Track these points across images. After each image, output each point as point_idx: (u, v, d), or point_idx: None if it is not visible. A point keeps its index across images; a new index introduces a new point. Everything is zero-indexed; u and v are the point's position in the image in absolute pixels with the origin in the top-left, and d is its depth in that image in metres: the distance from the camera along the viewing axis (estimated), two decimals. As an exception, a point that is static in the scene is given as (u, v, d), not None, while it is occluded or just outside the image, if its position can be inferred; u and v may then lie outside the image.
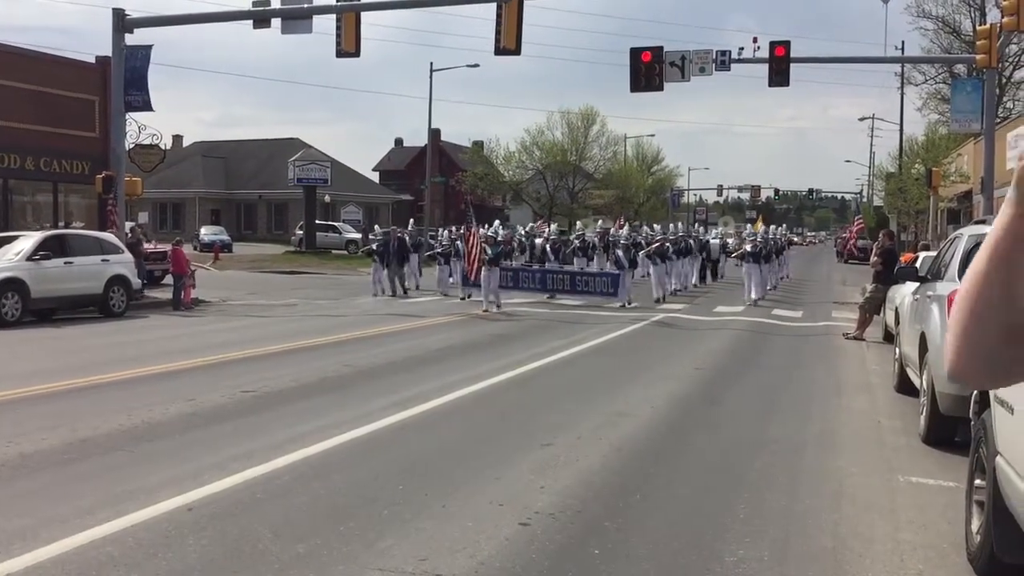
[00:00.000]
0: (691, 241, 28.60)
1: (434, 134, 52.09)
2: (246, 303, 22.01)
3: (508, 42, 19.65)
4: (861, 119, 76.03)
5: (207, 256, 39.65)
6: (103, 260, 18.49)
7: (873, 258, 17.02)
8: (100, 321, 17.64)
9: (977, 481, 4.86)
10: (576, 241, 31.67)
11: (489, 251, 20.66)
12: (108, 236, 20.04)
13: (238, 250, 46.73)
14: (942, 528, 5.48)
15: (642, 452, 7.34)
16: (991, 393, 4.54)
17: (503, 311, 19.71)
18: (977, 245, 8.57)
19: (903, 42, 63.18)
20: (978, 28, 27.34)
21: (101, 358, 12.42)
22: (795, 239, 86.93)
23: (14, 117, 23.91)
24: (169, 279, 22.37)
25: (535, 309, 20.66)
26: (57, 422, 7.91)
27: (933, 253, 13.71)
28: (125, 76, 22.01)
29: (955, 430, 7.39)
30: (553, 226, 34.40)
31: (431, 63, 46.19)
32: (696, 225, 53.03)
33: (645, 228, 31.98)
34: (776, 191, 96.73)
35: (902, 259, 15.95)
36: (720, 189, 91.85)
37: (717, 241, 36.09)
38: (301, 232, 48.12)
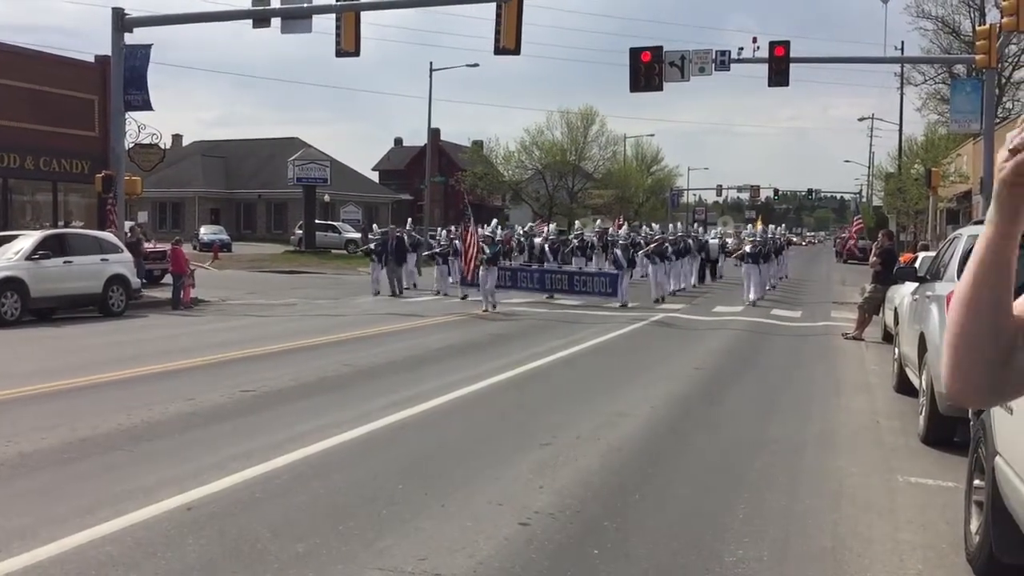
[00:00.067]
0: (690, 241, 28.60)
1: (434, 134, 52.09)
2: (245, 303, 22.01)
3: (508, 42, 19.65)
4: (861, 119, 76.10)
5: (206, 255, 39.64)
6: (102, 259, 18.49)
7: (872, 258, 17.02)
8: (99, 320, 17.64)
9: (976, 481, 4.86)
10: (575, 241, 31.70)
11: (487, 250, 20.66)
12: (107, 235, 20.03)
13: (237, 249, 46.73)
14: (941, 528, 5.48)
15: (641, 452, 7.34)
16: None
17: (500, 311, 19.70)
18: (976, 245, 8.56)
19: (903, 42, 63.26)
20: (978, 28, 27.35)
21: (100, 357, 12.42)
22: (794, 239, 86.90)
23: (13, 116, 23.90)
24: (168, 278, 22.36)
25: (534, 309, 20.66)
26: (56, 421, 7.91)
27: (932, 253, 13.72)
28: (125, 75, 22.00)
29: (954, 430, 7.40)
30: (552, 226, 34.43)
31: (431, 63, 46.28)
32: (695, 225, 53.08)
33: (644, 228, 31.97)
34: (775, 191, 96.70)
35: (901, 259, 15.96)
36: (719, 189, 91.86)
37: (716, 241, 36.09)
38: (300, 232, 48.11)
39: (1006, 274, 1.38)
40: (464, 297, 22.35)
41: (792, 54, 22.91)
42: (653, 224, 34.41)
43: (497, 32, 19.69)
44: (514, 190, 63.53)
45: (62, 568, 4.55)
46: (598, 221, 36.60)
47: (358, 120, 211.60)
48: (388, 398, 9.26)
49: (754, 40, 23.34)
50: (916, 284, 9.99)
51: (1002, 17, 18.67)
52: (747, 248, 23.81)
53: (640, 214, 64.74)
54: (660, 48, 23.24)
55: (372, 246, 25.53)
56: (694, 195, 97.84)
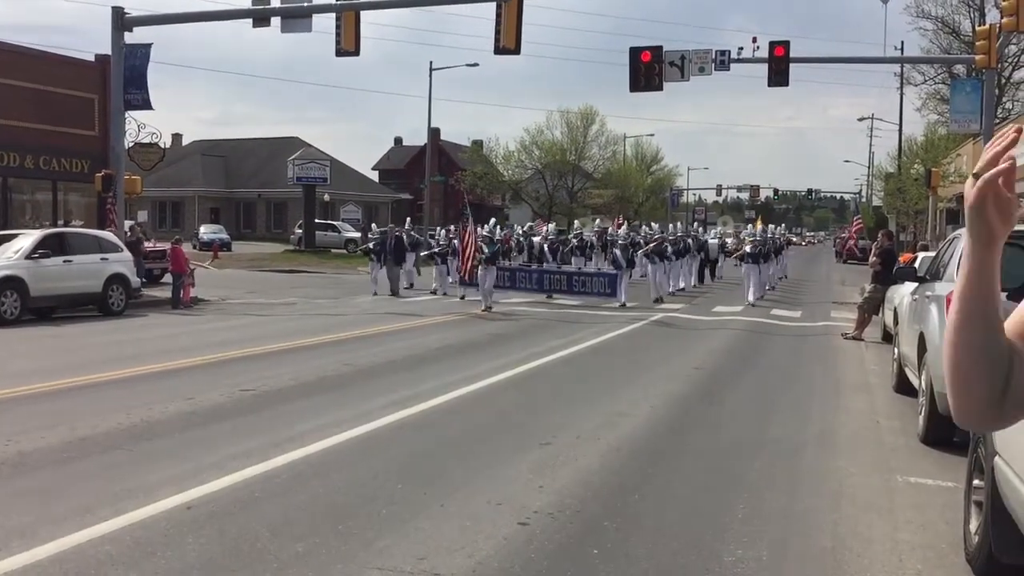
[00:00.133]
0: (689, 241, 28.59)
1: (433, 133, 52.08)
2: (245, 302, 22.01)
3: (508, 41, 19.65)
4: (860, 119, 76.11)
5: (206, 255, 39.63)
6: (102, 259, 18.49)
7: (872, 258, 17.03)
8: (99, 320, 17.63)
9: (975, 481, 4.86)
10: (574, 240, 31.67)
11: (486, 250, 20.67)
12: (107, 235, 20.03)
13: (237, 249, 46.73)
14: (940, 528, 5.49)
15: (641, 452, 7.34)
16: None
17: (499, 311, 19.70)
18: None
19: (902, 42, 63.28)
20: (977, 28, 27.35)
21: (100, 357, 12.42)
22: (794, 239, 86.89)
23: (14, 115, 23.89)
24: (168, 278, 22.36)
25: (534, 309, 20.66)
26: (56, 421, 7.91)
27: (932, 253, 13.71)
28: (124, 74, 22.00)
29: (954, 430, 7.40)
30: (551, 225, 34.41)
31: (431, 62, 46.30)
32: (695, 224, 53.08)
33: (644, 227, 31.96)
34: (775, 191, 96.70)
35: (901, 259, 15.96)
36: (719, 189, 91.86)
37: (716, 241, 36.09)
38: (300, 231, 48.10)
39: (992, 304, 1.39)
40: (462, 297, 22.34)
41: (792, 54, 22.91)
42: (652, 224, 34.38)
43: (497, 31, 19.68)
44: (514, 190, 63.52)
45: (61, 567, 4.55)
46: (597, 221, 36.59)
47: (358, 119, 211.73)
48: (387, 397, 9.26)
49: (754, 40, 23.37)
50: (916, 284, 9.98)
51: (1002, 17, 18.68)
52: (747, 248, 23.81)
53: (640, 214, 64.73)
54: (660, 48, 23.24)
55: (371, 245, 25.52)
56: (694, 195, 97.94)
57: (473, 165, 61.45)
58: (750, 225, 44.72)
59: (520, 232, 31.72)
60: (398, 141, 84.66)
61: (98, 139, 25.22)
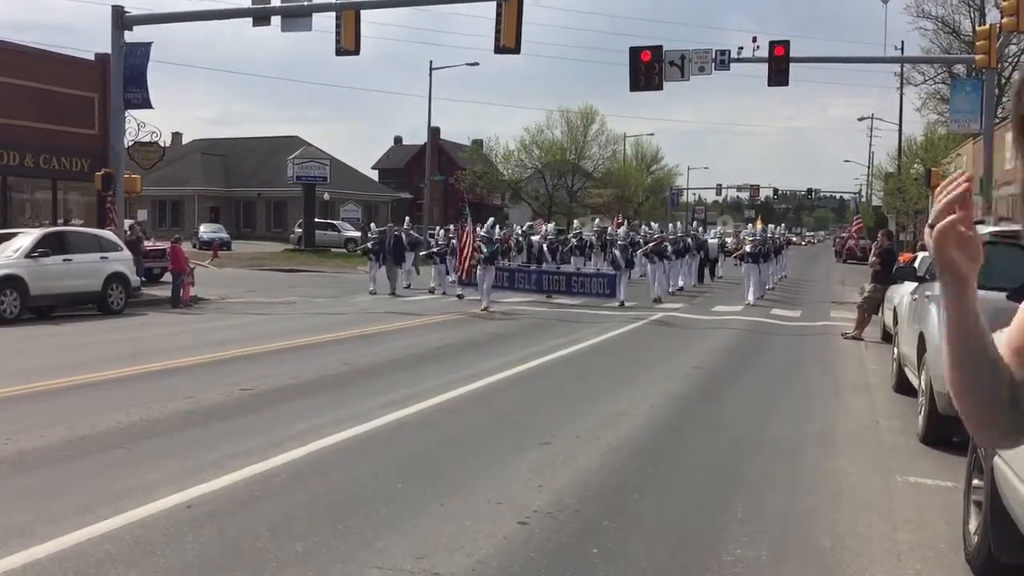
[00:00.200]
0: (689, 240, 28.59)
1: (433, 132, 52.05)
2: (245, 301, 22.00)
3: (508, 40, 19.65)
4: (860, 119, 76.07)
5: (206, 254, 39.62)
6: (102, 257, 18.49)
7: (872, 258, 17.03)
8: (99, 318, 17.63)
9: (975, 481, 4.86)
10: (573, 240, 31.68)
11: (485, 250, 20.67)
12: (107, 233, 20.03)
13: (237, 248, 46.73)
14: (940, 528, 5.49)
15: (641, 451, 7.34)
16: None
17: (497, 310, 19.71)
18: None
19: (902, 42, 63.16)
20: (978, 28, 27.36)
21: (99, 355, 12.42)
22: (794, 239, 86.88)
23: (13, 114, 23.88)
24: (168, 277, 22.36)
25: (533, 308, 20.67)
26: (55, 419, 7.91)
27: (932, 253, 13.70)
28: (124, 73, 21.99)
29: (953, 430, 7.40)
30: (550, 225, 34.40)
31: (431, 61, 46.26)
32: (694, 224, 53.08)
33: (644, 227, 31.97)
34: (775, 191, 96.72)
35: (901, 259, 15.96)
36: (719, 188, 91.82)
37: (715, 241, 36.09)
38: (300, 230, 48.10)
39: (983, 339, 1.40)
40: (459, 296, 22.32)
41: (792, 54, 22.91)
42: (652, 223, 34.38)
43: (497, 31, 19.68)
44: (514, 189, 63.54)
45: (61, 566, 4.55)
46: (596, 220, 36.61)
47: (358, 119, 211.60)
48: (387, 397, 9.26)
49: (754, 40, 23.37)
50: (915, 284, 9.99)
51: (1002, 17, 18.68)
52: (747, 248, 23.80)
53: (640, 213, 64.73)
54: (660, 47, 23.23)
55: (369, 245, 25.51)
56: (694, 194, 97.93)
57: (473, 164, 61.47)
58: (750, 224, 44.73)
59: (519, 231, 31.73)
60: (398, 140, 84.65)
61: (98, 138, 25.21)
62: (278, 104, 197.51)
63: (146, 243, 25.12)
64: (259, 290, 25.05)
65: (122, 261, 19.04)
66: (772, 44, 22.81)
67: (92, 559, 4.64)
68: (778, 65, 22.62)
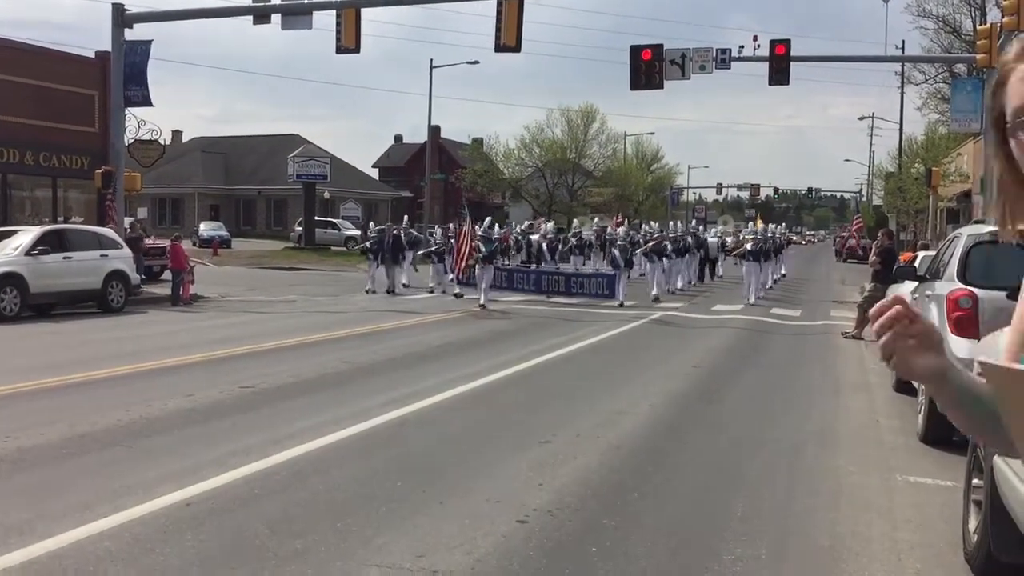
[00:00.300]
0: (689, 239, 28.58)
1: (434, 131, 52.05)
2: (245, 299, 22.00)
3: (508, 39, 19.64)
4: (861, 118, 75.87)
5: (206, 252, 39.61)
6: (102, 255, 18.48)
7: (872, 257, 17.03)
8: (98, 316, 17.63)
9: (975, 480, 4.86)
10: (573, 240, 31.65)
11: (483, 249, 20.66)
12: (107, 231, 20.03)
13: (237, 246, 46.70)
14: (939, 527, 5.48)
15: (640, 450, 7.34)
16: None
17: (497, 309, 19.70)
18: (977, 244, 8.51)
19: (903, 41, 62.93)
20: (978, 28, 27.34)
21: (99, 353, 12.42)
22: (794, 238, 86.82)
23: (13, 112, 23.87)
24: (168, 275, 22.36)
25: (533, 307, 20.67)
26: (55, 417, 7.91)
27: (932, 252, 13.71)
28: (125, 71, 21.99)
29: (953, 429, 7.36)
30: (550, 224, 34.38)
31: (431, 60, 46.24)
32: (694, 223, 53.06)
33: (644, 226, 31.95)
34: (775, 190, 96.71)
35: (901, 258, 15.96)
36: (719, 187, 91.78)
37: (715, 240, 36.07)
38: (300, 228, 48.08)
39: (970, 400, 1.40)
40: (457, 295, 22.31)
41: (793, 53, 22.88)
42: (652, 222, 34.37)
43: (498, 29, 19.68)
44: (514, 188, 63.50)
45: (60, 563, 4.55)
46: (596, 220, 36.58)
47: (358, 117, 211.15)
48: (387, 395, 9.25)
49: (755, 39, 23.36)
50: (916, 283, 9.98)
51: (1003, 16, 18.64)
52: (748, 247, 23.79)
53: (640, 212, 64.71)
54: (661, 46, 23.21)
55: (368, 244, 25.49)
56: (694, 193, 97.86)
57: (473, 163, 61.41)
58: (750, 223, 44.74)
59: (519, 230, 31.70)
60: (398, 139, 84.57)
61: (98, 136, 25.20)
62: (278, 102, 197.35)
63: (146, 241, 25.12)
64: (259, 288, 25.04)
65: (122, 259, 19.03)
66: (773, 43, 22.80)
67: (91, 557, 4.64)
68: (779, 64, 22.61)
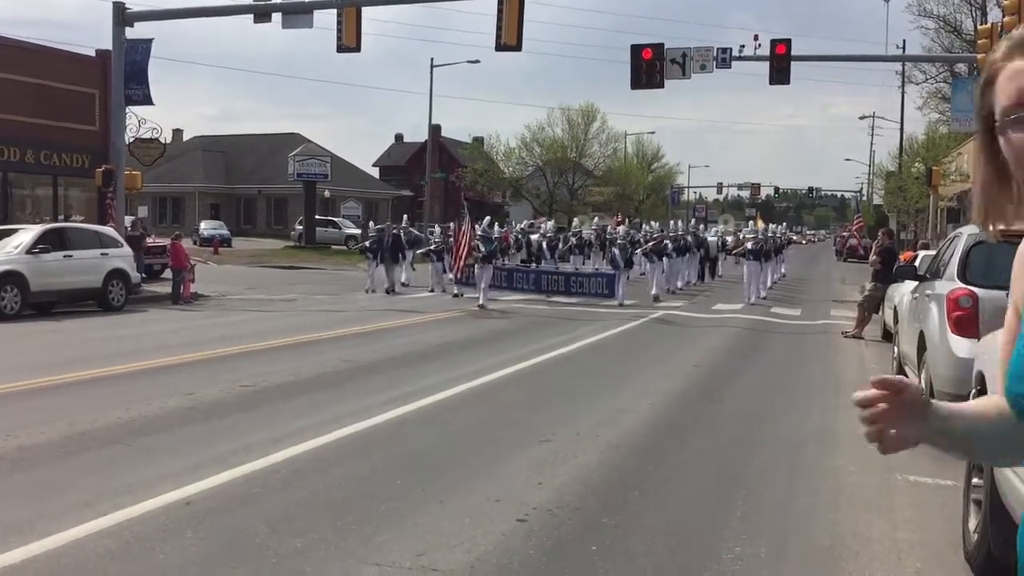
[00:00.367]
0: (689, 238, 28.58)
1: (434, 130, 52.07)
2: (245, 298, 22.01)
3: (509, 38, 19.64)
4: (861, 117, 76.18)
5: (206, 250, 39.62)
6: (102, 254, 18.49)
7: (872, 256, 17.03)
8: (99, 315, 17.64)
9: (975, 480, 4.86)
10: (572, 239, 31.63)
11: (483, 248, 20.66)
12: (107, 230, 20.05)
13: (237, 245, 46.71)
14: (939, 527, 5.48)
15: (640, 449, 7.34)
16: (988, 391, 4.54)
17: (497, 308, 19.71)
18: (977, 244, 8.50)
19: (904, 41, 62.88)
20: (979, 27, 27.32)
21: (100, 352, 12.42)
22: (795, 238, 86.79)
23: (14, 110, 23.89)
24: (168, 273, 22.37)
25: (533, 306, 20.67)
26: (55, 416, 7.91)
27: (932, 252, 13.71)
28: (125, 70, 22.00)
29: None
30: (549, 223, 34.37)
31: (432, 59, 46.34)
32: (694, 222, 53.03)
33: (644, 226, 31.95)
34: (776, 189, 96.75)
35: (901, 257, 15.96)
36: (720, 187, 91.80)
37: (716, 239, 36.04)
38: (300, 227, 48.10)
39: (969, 431, 1.43)
40: (456, 295, 22.30)
41: (793, 52, 22.89)
42: (652, 222, 34.35)
43: (498, 28, 19.68)
44: (514, 187, 63.49)
45: (59, 562, 4.55)
46: (596, 219, 36.58)
47: (359, 116, 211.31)
48: (387, 394, 9.26)
49: (755, 38, 23.37)
50: (916, 283, 9.98)
51: (1004, 16, 18.64)
52: (749, 246, 23.78)
53: (640, 212, 64.70)
54: (661, 45, 23.22)
55: (367, 244, 25.49)
56: (695, 193, 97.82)
57: (474, 162, 61.41)
58: (751, 223, 44.74)
59: (519, 229, 31.69)
60: (399, 137, 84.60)
61: (99, 134, 25.22)
62: (279, 101, 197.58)
63: (147, 240, 25.13)
64: (259, 287, 25.05)
65: (123, 257, 19.05)
66: (773, 42, 22.80)
67: (91, 555, 4.64)
68: (779, 63, 22.61)
